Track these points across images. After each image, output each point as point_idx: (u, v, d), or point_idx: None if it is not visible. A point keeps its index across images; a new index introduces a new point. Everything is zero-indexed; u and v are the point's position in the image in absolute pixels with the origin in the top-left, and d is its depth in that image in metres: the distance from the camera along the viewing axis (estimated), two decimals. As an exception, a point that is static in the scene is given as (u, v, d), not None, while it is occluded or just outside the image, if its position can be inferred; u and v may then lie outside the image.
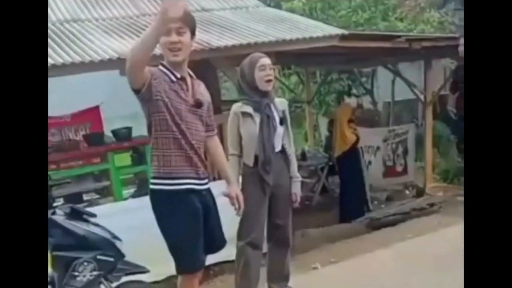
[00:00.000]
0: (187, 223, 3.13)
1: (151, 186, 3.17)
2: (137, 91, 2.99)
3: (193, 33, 3.14)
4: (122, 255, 3.47)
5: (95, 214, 3.52)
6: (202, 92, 3.31)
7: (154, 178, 3.15)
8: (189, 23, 3.11)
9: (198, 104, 3.20)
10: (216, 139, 3.48)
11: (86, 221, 3.43)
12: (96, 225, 3.45)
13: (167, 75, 3.09)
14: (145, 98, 3.03)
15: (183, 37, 3.06)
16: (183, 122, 3.11)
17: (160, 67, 3.14)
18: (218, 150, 3.47)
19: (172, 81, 3.10)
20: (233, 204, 3.50)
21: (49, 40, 5.74)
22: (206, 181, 3.27)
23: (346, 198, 7.88)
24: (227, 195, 3.51)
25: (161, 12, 2.72)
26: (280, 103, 4.15)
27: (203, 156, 3.25)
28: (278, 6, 11.03)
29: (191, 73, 3.28)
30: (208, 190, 3.30)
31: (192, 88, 3.21)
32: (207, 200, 3.28)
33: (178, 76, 3.13)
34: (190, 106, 3.16)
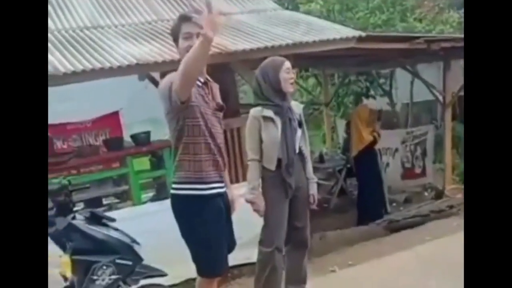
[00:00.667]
0: (215, 228, 3.18)
1: (179, 192, 3.18)
2: (183, 102, 3.01)
3: None
4: (140, 259, 3.51)
5: (114, 219, 3.57)
6: (219, 95, 3.36)
7: (182, 183, 3.16)
8: None
9: (221, 107, 3.26)
10: None
11: (106, 225, 3.48)
12: (115, 229, 3.49)
13: None
14: (184, 106, 3.05)
15: None
16: (211, 126, 3.16)
17: None
18: None
19: (199, 86, 3.15)
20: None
21: (69, 47, 5.84)
22: (224, 183, 3.33)
23: (364, 200, 7.85)
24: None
25: (203, 36, 2.75)
26: (296, 106, 4.18)
27: (225, 158, 3.31)
28: (296, 9, 11.05)
29: (208, 77, 3.32)
30: (225, 192, 3.35)
31: (212, 92, 3.26)
32: (226, 202, 3.32)
33: (202, 80, 3.19)
34: (213, 109, 3.21)
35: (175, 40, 3.24)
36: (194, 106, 3.06)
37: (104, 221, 3.50)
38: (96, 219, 3.48)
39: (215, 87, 3.34)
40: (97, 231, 3.39)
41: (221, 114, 3.29)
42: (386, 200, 8.06)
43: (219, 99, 3.30)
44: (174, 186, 3.20)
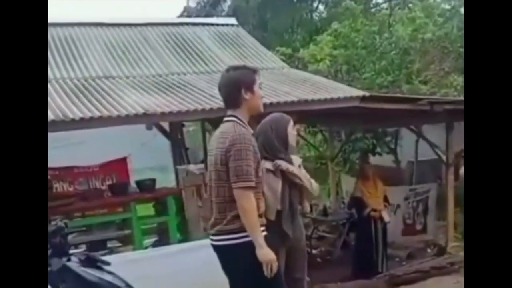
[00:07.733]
0: None
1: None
2: None
3: None
4: (133, 303, 3.56)
5: (109, 262, 3.63)
6: None
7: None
8: None
9: None
10: None
11: (100, 268, 3.54)
12: (109, 272, 3.55)
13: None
14: None
15: None
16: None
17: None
18: None
19: None
20: None
21: (80, 95, 6.08)
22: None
23: (355, 254, 8.01)
24: None
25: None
26: (295, 160, 4.30)
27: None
28: (304, 68, 11.32)
29: None
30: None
31: None
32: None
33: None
34: None
35: (248, 88, 3.39)
36: None
37: (99, 264, 3.56)
38: (91, 262, 3.54)
39: None
40: (91, 274, 3.45)
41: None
42: (379, 256, 8.00)
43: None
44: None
